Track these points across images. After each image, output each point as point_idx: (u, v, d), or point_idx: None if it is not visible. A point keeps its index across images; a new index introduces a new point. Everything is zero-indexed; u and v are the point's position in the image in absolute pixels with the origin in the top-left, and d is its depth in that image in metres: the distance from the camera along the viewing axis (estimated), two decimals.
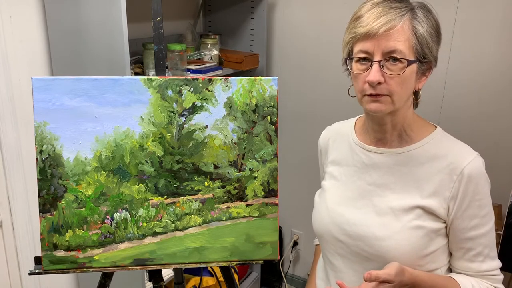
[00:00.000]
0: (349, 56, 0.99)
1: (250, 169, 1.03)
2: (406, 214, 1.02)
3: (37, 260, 1.03)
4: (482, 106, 1.80)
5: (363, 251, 1.05)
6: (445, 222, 1.02)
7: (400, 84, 0.94)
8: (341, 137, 1.18)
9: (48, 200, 0.99)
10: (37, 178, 0.98)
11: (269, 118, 1.03)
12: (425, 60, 0.96)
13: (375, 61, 0.94)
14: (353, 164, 1.12)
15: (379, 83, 0.94)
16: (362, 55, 0.96)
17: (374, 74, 0.93)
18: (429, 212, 1.01)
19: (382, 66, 0.93)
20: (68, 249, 1.00)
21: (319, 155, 1.26)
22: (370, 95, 0.96)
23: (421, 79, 1.00)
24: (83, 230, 1.00)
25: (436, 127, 1.08)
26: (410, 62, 0.93)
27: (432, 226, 1.01)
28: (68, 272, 1.01)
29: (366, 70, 0.95)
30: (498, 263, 1.04)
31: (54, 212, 0.99)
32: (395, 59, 0.93)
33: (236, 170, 1.03)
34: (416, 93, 1.02)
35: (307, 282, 1.33)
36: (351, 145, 1.13)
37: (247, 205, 1.04)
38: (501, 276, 1.05)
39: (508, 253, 1.41)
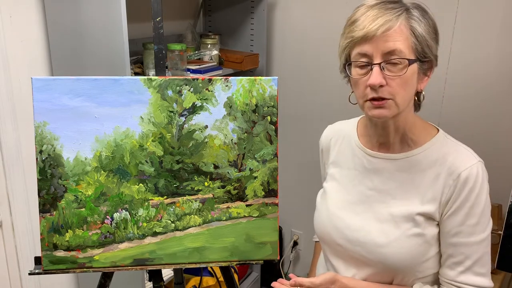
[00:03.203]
0: (347, 62, 0.98)
1: (250, 169, 1.03)
2: (406, 222, 1.01)
3: (37, 260, 1.03)
4: (482, 106, 1.80)
5: (362, 257, 1.05)
6: (438, 225, 1.01)
7: (402, 85, 0.92)
8: (343, 138, 1.16)
9: (48, 200, 0.99)
10: (37, 178, 0.98)
11: (269, 118, 1.03)
12: (425, 59, 0.95)
13: (375, 64, 0.92)
14: (354, 167, 1.11)
15: (381, 86, 0.91)
16: (362, 59, 0.94)
17: (375, 76, 0.91)
18: (428, 218, 1.00)
19: (383, 68, 0.91)
20: (68, 249, 1.00)
21: (320, 154, 1.25)
22: (373, 99, 0.94)
23: (423, 79, 0.98)
24: (83, 230, 1.00)
25: (438, 130, 1.06)
26: (410, 62, 0.92)
27: (431, 233, 1.00)
28: (68, 272, 1.01)
29: (366, 74, 0.93)
30: (482, 281, 0.98)
31: (54, 212, 0.99)
32: (395, 62, 0.91)
33: (236, 170, 1.03)
34: (418, 95, 1.00)
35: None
36: (353, 148, 1.12)
37: (247, 205, 1.04)
38: None
39: (508, 253, 1.41)
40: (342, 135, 1.17)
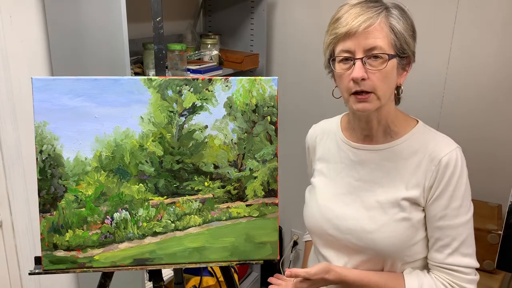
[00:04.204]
0: (332, 57, 1.04)
1: (250, 169, 1.03)
2: (393, 207, 1.05)
3: (37, 260, 1.03)
4: (482, 106, 1.80)
5: (352, 244, 1.08)
6: (424, 211, 1.05)
7: (382, 79, 0.98)
8: (327, 135, 1.21)
9: (48, 200, 0.99)
10: (37, 178, 0.98)
11: (269, 118, 1.03)
12: (404, 55, 1.01)
13: (357, 59, 0.97)
14: (340, 161, 1.15)
15: (363, 79, 0.97)
16: (345, 55, 0.99)
17: (357, 70, 0.96)
18: (413, 203, 1.04)
19: (365, 63, 0.97)
20: (68, 249, 1.00)
21: (307, 152, 1.30)
22: (356, 93, 0.99)
23: (402, 74, 1.04)
24: (83, 230, 1.00)
25: (417, 121, 1.11)
26: (390, 57, 0.97)
27: (417, 217, 1.04)
28: (68, 272, 1.01)
29: (349, 68, 0.99)
30: (470, 262, 1.03)
31: (54, 212, 0.99)
32: (376, 56, 0.97)
33: (236, 170, 1.03)
34: (398, 89, 1.05)
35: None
36: (338, 143, 1.17)
37: (247, 205, 1.04)
38: (473, 277, 1.03)
39: (508, 253, 1.41)
40: (327, 132, 1.22)
